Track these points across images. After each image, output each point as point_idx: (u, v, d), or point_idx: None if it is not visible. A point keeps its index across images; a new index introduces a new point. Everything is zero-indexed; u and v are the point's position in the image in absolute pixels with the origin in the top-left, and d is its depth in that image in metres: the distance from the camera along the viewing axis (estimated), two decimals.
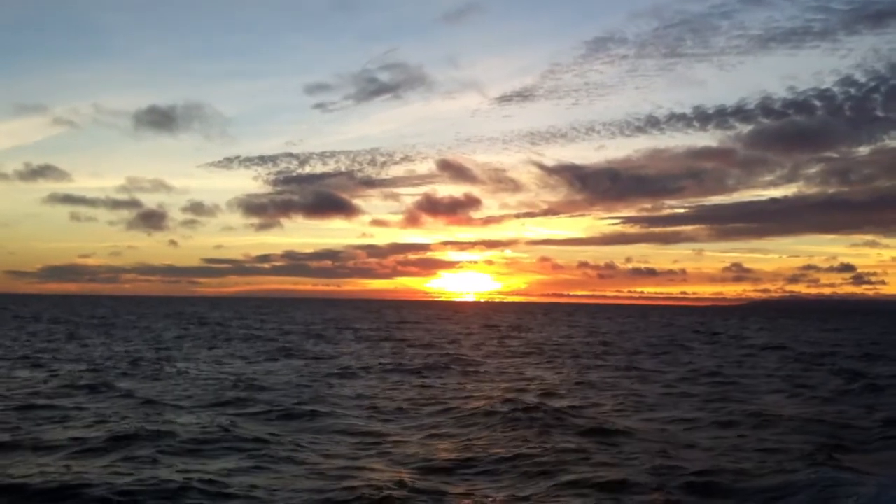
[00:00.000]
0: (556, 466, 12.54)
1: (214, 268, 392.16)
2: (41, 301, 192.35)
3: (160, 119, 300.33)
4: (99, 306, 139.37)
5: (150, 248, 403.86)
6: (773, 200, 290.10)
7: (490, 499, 10.86)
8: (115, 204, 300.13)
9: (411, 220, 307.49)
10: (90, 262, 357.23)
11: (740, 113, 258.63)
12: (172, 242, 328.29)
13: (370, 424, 16.81)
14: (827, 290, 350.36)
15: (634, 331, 70.28)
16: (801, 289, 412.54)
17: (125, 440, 13.76)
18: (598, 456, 13.43)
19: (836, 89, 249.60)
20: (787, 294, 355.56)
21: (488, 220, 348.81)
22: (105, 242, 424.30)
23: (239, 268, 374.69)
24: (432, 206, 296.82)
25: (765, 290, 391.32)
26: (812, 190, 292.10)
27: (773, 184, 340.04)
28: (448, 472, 12.35)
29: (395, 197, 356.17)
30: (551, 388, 23.22)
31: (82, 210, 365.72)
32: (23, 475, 11.37)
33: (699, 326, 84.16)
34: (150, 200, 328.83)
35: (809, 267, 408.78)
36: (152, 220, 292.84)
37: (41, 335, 46.66)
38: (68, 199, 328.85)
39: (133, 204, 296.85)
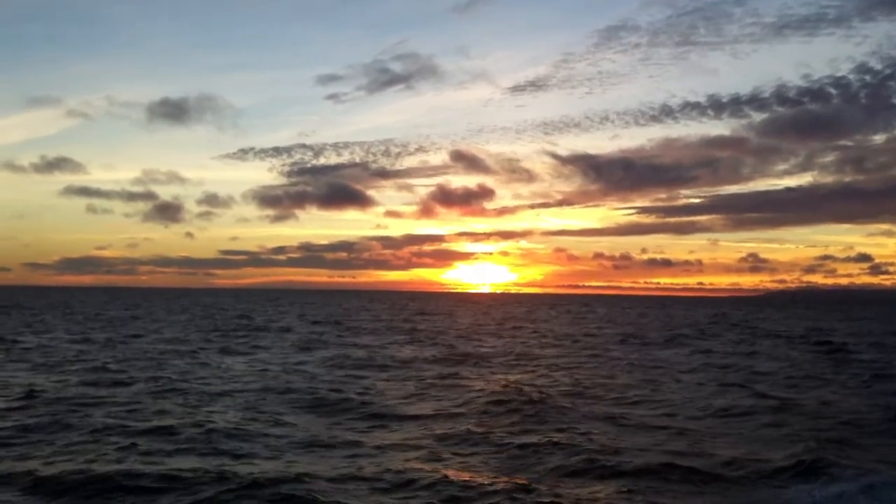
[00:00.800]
0: None
1: (231, 259, 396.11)
2: (67, 293, 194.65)
3: (173, 111, 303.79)
4: (142, 298, 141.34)
5: (166, 239, 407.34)
6: (789, 189, 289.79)
7: None
8: (131, 196, 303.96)
9: (425, 211, 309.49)
10: (107, 254, 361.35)
11: (755, 101, 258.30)
12: (188, 234, 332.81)
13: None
14: (844, 281, 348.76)
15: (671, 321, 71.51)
16: (817, 279, 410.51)
17: None
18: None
19: (851, 77, 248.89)
20: (804, 285, 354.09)
21: (503, 211, 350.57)
22: (121, 234, 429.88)
23: (255, 259, 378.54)
24: (446, 197, 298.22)
25: (781, 281, 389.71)
26: (828, 179, 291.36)
27: (789, 173, 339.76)
28: None
29: (408, 188, 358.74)
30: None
31: (98, 202, 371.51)
32: None
33: (740, 319, 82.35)
34: (165, 192, 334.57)
35: (826, 257, 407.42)
36: (168, 212, 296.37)
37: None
38: (84, 191, 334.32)
39: (148, 196, 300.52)
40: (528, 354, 33.95)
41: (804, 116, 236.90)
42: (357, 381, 23.49)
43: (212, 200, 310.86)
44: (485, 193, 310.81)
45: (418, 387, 22.53)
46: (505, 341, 42.90)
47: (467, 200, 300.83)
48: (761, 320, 79.47)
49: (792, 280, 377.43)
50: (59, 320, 57.20)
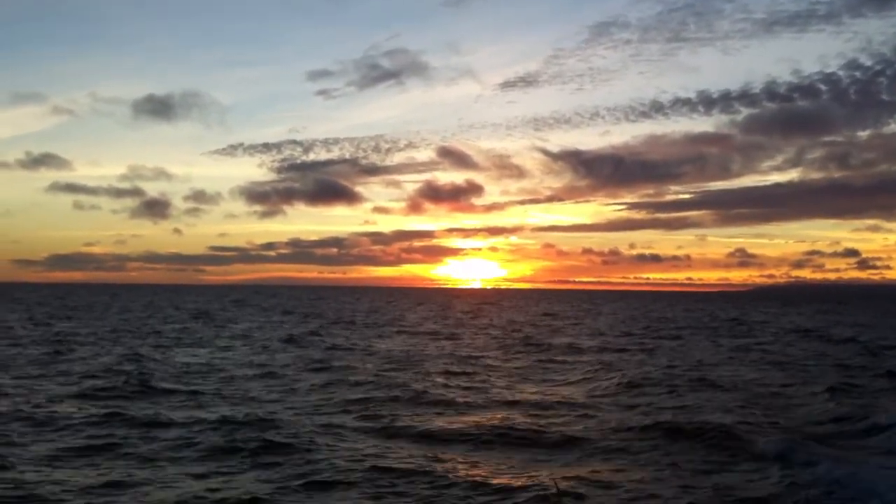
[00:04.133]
0: None
1: (220, 256, 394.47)
2: (56, 289, 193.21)
3: (158, 108, 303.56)
4: (193, 294, 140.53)
5: (154, 236, 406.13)
6: (778, 185, 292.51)
7: None
8: (118, 192, 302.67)
9: (414, 207, 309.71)
10: (95, 250, 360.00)
11: (745, 97, 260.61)
12: (177, 230, 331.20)
13: None
14: (832, 276, 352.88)
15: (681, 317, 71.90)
16: (806, 274, 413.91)
17: None
18: None
19: (841, 73, 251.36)
20: (793, 280, 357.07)
21: (491, 207, 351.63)
22: (109, 231, 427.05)
23: (244, 255, 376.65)
24: (435, 193, 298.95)
25: (770, 276, 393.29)
26: (816, 174, 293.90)
27: (778, 168, 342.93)
28: None
29: (397, 184, 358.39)
30: None
31: (85, 199, 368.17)
32: None
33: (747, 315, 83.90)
34: (152, 189, 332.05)
35: (814, 252, 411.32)
36: (155, 208, 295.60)
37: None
38: (70, 187, 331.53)
39: (135, 192, 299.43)
40: None
41: (793, 112, 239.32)
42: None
43: (199, 197, 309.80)
44: (474, 189, 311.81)
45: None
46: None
47: (456, 196, 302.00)
48: (780, 316, 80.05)
49: (780, 275, 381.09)
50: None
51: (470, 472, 12.06)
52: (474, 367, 26.88)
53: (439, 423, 16.11)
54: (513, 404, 18.69)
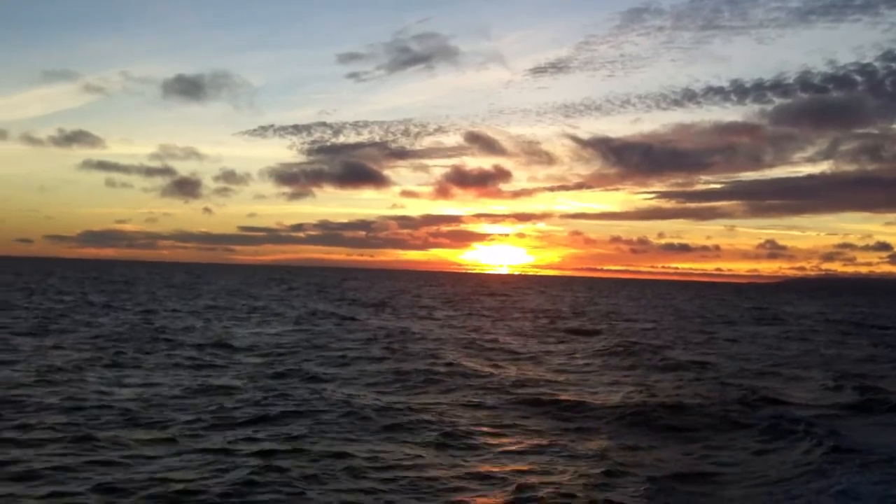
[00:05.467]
0: None
1: (250, 236, 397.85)
2: (101, 266, 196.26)
3: (188, 88, 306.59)
4: (212, 273, 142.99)
5: (185, 215, 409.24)
6: (810, 177, 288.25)
7: None
8: (149, 171, 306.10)
9: (442, 191, 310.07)
10: (127, 227, 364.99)
11: (778, 87, 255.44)
12: (207, 210, 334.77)
13: None
14: (863, 269, 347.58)
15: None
16: (836, 267, 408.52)
17: None
18: None
19: (877, 64, 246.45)
20: (823, 272, 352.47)
21: (520, 193, 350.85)
22: (141, 209, 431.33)
23: (274, 236, 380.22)
24: (463, 178, 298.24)
25: (800, 268, 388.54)
26: (849, 167, 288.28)
27: (811, 160, 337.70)
28: None
29: (424, 168, 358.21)
30: None
31: (117, 176, 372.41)
32: None
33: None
34: (182, 168, 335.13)
35: (845, 245, 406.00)
36: (186, 187, 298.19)
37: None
38: (103, 165, 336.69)
39: (166, 171, 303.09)
40: None
41: (826, 103, 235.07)
42: None
43: (229, 177, 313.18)
44: (502, 175, 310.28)
45: None
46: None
47: (485, 182, 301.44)
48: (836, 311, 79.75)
49: (811, 267, 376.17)
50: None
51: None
52: None
53: None
54: None
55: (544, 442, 13.20)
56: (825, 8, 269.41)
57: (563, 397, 17.46)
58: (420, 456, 11.91)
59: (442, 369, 21.03)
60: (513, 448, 12.73)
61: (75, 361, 19.94)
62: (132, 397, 15.57)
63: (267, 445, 11.96)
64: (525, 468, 11.42)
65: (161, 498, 9.45)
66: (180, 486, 9.80)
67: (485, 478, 10.86)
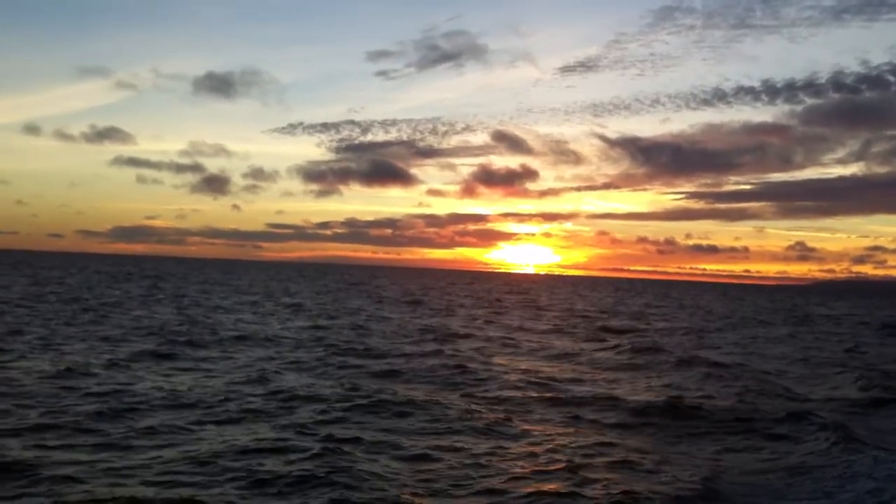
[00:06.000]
0: None
1: (278, 233, 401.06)
2: (136, 261, 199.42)
3: (218, 85, 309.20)
4: (238, 270, 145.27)
5: (214, 211, 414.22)
6: (841, 178, 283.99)
7: None
8: (179, 167, 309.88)
9: (468, 190, 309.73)
10: (157, 223, 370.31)
11: (811, 87, 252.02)
12: (235, 207, 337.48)
13: None
14: (895, 272, 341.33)
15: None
16: (867, 270, 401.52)
17: None
18: None
19: None
20: (853, 275, 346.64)
21: (546, 193, 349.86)
22: (171, 205, 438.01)
23: (301, 233, 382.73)
24: (489, 177, 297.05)
25: (830, 271, 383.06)
26: (881, 168, 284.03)
27: (842, 161, 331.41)
28: None
29: (451, 167, 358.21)
30: None
31: (147, 172, 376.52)
32: None
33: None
34: (211, 165, 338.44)
35: (876, 248, 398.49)
36: (215, 184, 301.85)
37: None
38: (133, 161, 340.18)
39: (196, 168, 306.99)
40: None
41: (859, 104, 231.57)
42: None
43: (258, 174, 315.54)
44: (529, 174, 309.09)
45: None
46: None
47: (511, 181, 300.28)
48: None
49: (841, 270, 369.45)
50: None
51: None
52: None
53: None
54: None
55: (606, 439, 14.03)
56: (859, 7, 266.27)
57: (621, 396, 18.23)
58: (463, 448, 12.72)
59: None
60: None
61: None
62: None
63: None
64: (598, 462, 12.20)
65: None
66: None
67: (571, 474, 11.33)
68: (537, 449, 12.57)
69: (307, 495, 9.61)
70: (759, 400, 17.90)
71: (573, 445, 12.96)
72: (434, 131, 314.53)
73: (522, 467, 11.38)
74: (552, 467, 11.44)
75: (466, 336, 30.93)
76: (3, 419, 12.62)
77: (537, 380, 19.98)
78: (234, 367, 19.54)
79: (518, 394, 17.70)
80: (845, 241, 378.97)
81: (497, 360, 23.83)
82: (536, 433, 13.76)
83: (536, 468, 11.34)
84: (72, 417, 12.96)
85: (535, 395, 17.63)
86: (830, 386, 21.25)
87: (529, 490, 10.27)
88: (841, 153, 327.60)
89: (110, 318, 31.09)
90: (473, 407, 15.72)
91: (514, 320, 42.14)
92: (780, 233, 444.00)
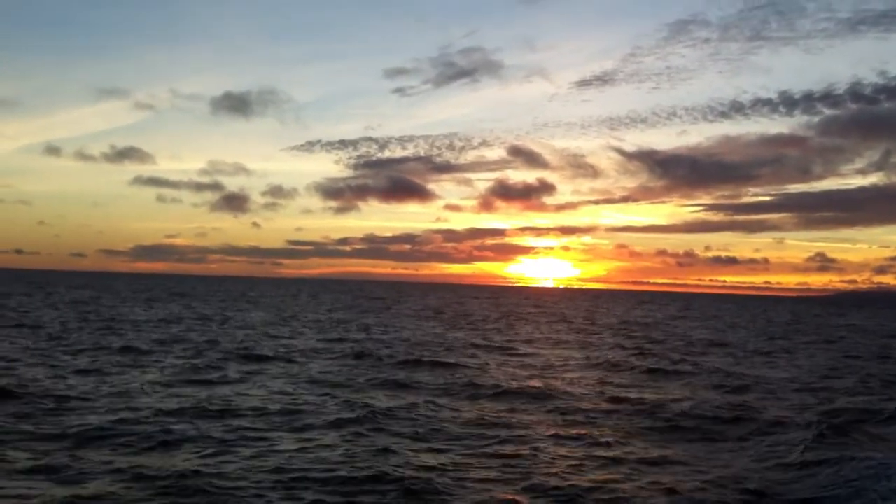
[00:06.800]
0: None
1: (297, 249, 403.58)
2: (156, 280, 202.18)
3: (236, 104, 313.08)
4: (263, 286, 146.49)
5: (233, 229, 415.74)
6: (861, 189, 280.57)
7: None
8: (198, 186, 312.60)
9: (486, 205, 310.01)
10: (178, 241, 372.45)
11: (828, 98, 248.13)
12: (255, 224, 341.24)
13: None
14: None
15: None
16: (889, 280, 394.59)
17: None
18: None
19: None
20: (875, 286, 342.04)
21: (564, 207, 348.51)
22: (191, 223, 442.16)
23: (320, 250, 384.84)
24: (507, 192, 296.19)
25: (851, 282, 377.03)
26: None
27: (861, 171, 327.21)
28: None
29: (468, 182, 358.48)
30: None
31: (167, 192, 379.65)
32: None
33: None
34: (231, 183, 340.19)
35: None
36: (234, 202, 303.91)
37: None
38: (153, 181, 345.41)
39: (215, 186, 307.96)
40: None
41: (878, 114, 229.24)
42: None
43: (277, 192, 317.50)
44: (547, 188, 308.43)
45: None
46: None
47: (529, 195, 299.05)
48: None
49: (862, 281, 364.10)
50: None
51: None
52: None
53: None
54: None
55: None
56: (876, 18, 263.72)
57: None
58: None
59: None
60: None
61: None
62: None
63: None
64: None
65: None
66: None
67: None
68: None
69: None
70: (779, 411, 18.00)
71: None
72: (451, 147, 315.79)
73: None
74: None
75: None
76: None
77: None
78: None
79: None
80: (866, 252, 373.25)
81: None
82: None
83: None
84: None
85: None
86: (854, 397, 21.23)
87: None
88: (860, 164, 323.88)
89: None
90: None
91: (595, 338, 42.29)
92: (800, 244, 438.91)
